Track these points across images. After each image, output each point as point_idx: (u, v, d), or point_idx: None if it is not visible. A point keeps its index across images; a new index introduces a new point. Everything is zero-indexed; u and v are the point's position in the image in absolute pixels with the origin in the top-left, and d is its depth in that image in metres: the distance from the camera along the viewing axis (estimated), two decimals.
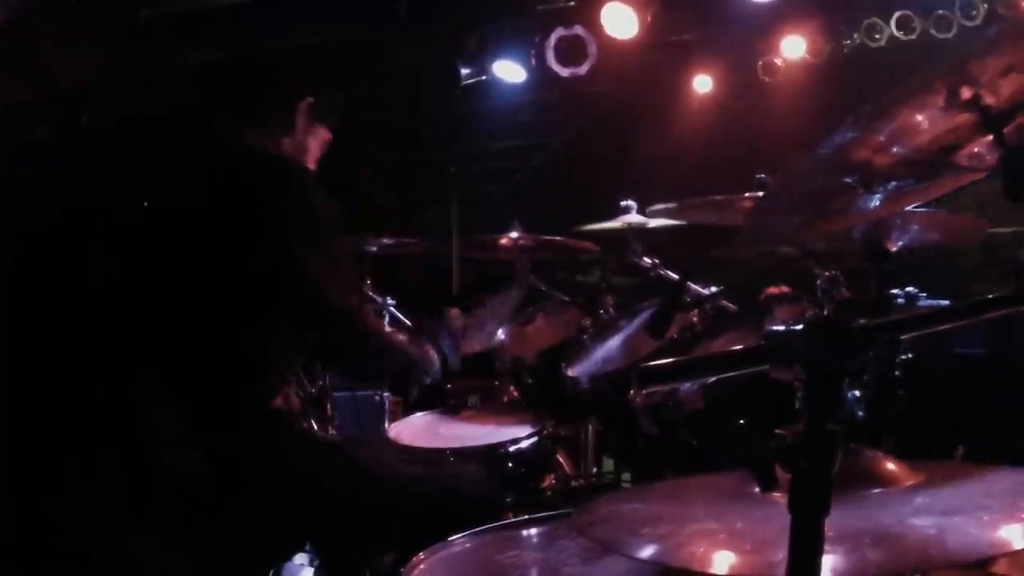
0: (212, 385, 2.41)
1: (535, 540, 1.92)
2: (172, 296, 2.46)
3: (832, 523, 0.99)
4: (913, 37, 5.35)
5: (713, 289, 3.27)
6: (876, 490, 1.25)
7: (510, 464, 2.92)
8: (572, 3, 5.05)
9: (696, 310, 3.06)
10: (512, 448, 2.93)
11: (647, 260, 3.72)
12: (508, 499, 2.82)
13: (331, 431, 3.67)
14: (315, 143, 2.70)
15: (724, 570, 1.11)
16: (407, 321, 4.02)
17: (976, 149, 1.59)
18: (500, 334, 3.51)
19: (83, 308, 3.07)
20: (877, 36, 5.49)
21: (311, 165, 2.69)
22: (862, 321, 1.09)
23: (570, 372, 3.20)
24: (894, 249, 2.65)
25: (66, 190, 3.38)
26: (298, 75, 2.71)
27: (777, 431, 1.05)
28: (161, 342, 2.49)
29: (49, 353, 3.14)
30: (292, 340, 2.52)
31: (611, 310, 3.75)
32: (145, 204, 2.57)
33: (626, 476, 3.55)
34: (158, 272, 2.49)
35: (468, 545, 1.89)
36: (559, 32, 4.98)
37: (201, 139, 2.62)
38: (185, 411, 2.41)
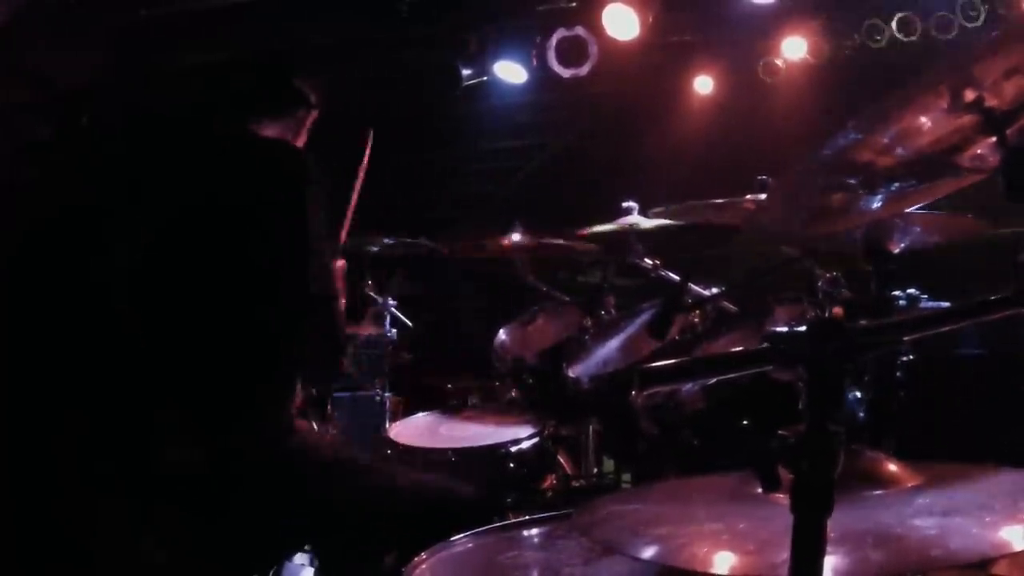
0: (212, 385, 2.41)
1: (536, 540, 1.92)
2: (173, 295, 2.46)
3: (834, 524, 0.99)
4: (914, 38, 5.35)
5: (714, 290, 3.27)
6: (877, 491, 1.25)
7: (511, 464, 2.92)
8: (573, 4, 5.05)
9: (697, 311, 3.06)
10: (513, 448, 2.93)
11: (648, 261, 3.72)
12: (509, 499, 2.83)
13: (331, 431, 3.67)
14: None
15: (726, 571, 1.11)
16: (408, 322, 4.02)
17: (978, 151, 1.59)
18: (501, 334, 3.52)
19: (84, 308, 3.06)
20: (878, 37, 5.48)
21: None
22: (863, 322, 1.09)
23: (571, 372, 3.20)
24: (895, 250, 2.64)
25: (66, 190, 3.38)
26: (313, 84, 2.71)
27: (779, 432, 1.05)
28: (162, 342, 2.49)
29: (50, 353, 3.13)
30: (294, 340, 2.52)
31: (612, 311, 3.74)
32: (148, 203, 2.57)
33: (627, 477, 3.54)
34: (160, 271, 2.49)
35: (469, 545, 1.89)
36: (560, 33, 4.98)
37: (204, 135, 2.62)
38: (186, 411, 2.41)
